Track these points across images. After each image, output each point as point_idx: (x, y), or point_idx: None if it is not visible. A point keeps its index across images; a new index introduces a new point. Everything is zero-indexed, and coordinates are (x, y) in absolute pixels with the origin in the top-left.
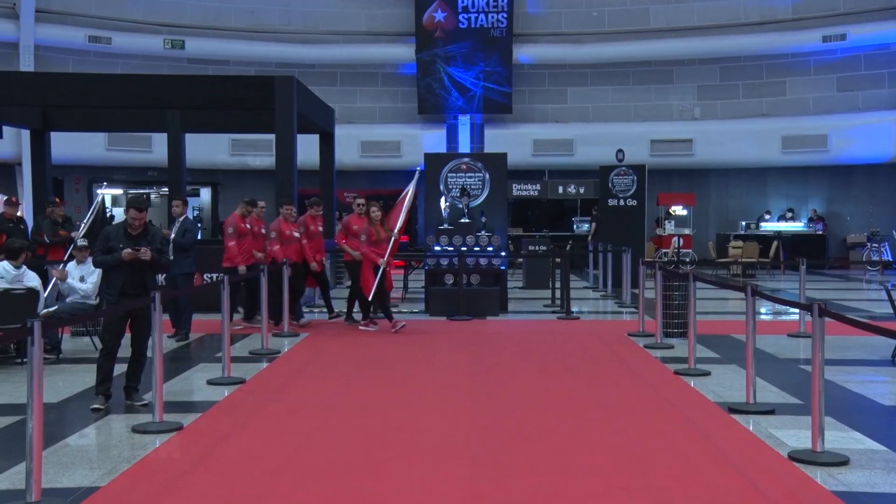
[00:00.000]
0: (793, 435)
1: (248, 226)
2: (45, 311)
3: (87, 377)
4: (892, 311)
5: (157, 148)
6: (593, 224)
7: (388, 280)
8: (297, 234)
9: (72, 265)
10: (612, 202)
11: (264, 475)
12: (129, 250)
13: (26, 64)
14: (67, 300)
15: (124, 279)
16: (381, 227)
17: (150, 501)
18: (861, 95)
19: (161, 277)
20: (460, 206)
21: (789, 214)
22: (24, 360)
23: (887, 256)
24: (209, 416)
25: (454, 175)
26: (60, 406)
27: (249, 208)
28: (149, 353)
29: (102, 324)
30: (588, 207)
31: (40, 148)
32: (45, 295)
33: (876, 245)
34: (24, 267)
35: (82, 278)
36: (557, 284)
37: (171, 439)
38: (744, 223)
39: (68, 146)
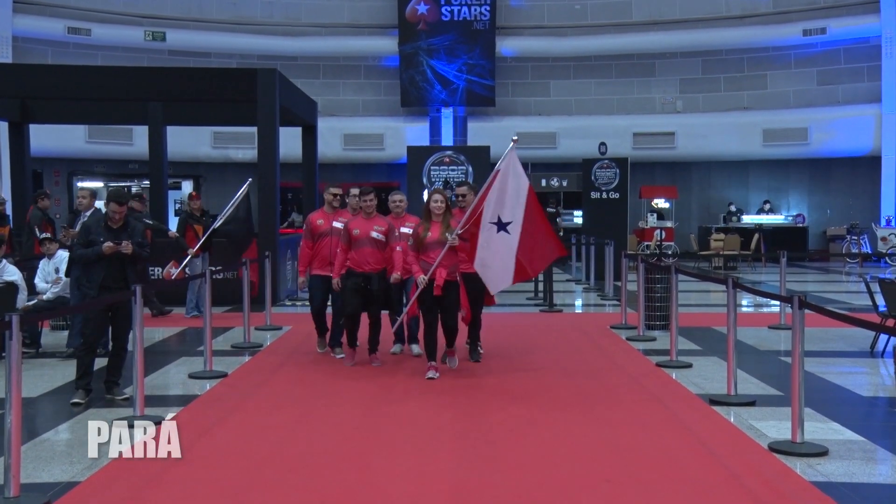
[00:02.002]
0: (773, 426)
1: (336, 224)
2: (28, 303)
3: (66, 371)
4: (870, 303)
5: (138, 140)
6: None
7: (462, 303)
8: (375, 235)
9: (44, 261)
10: (594, 195)
11: (246, 469)
12: (109, 244)
13: (4, 55)
14: (45, 297)
15: (105, 273)
16: (439, 225)
17: (130, 496)
18: (841, 89)
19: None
20: None
21: (767, 206)
22: (3, 354)
23: (866, 249)
24: (190, 409)
25: (437, 168)
26: (40, 400)
27: (335, 192)
28: (129, 347)
29: (83, 318)
30: (572, 200)
31: (19, 140)
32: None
33: (855, 237)
34: (4, 261)
35: (57, 270)
36: (540, 277)
37: None
38: (723, 216)
39: (48, 138)
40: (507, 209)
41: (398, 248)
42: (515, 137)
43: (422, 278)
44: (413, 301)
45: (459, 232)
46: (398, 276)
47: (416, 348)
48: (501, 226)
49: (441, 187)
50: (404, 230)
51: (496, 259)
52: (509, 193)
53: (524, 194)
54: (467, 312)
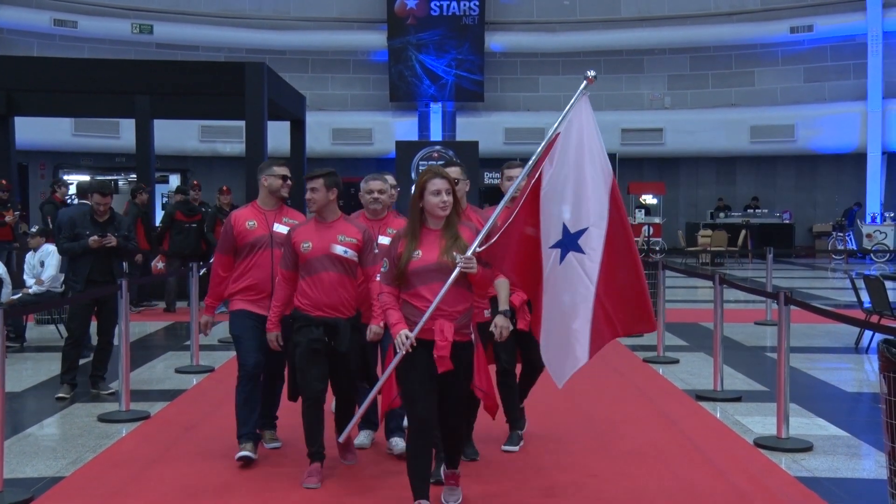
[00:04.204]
0: (758, 422)
1: (279, 228)
2: (13, 297)
3: (51, 366)
4: (856, 299)
5: (125, 134)
6: None
7: (478, 377)
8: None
9: (29, 255)
10: None
11: (232, 464)
12: (95, 237)
13: None
14: (31, 291)
15: (91, 267)
16: (439, 237)
17: (115, 491)
18: (828, 86)
19: None
20: None
21: (721, 202)
22: None
23: (852, 245)
24: (177, 404)
25: (426, 163)
26: (24, 395)
27: (278, 173)
28: (115, 341)
29: (69, 312)
30: None
31: (5, 133)
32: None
33: (841, 234)
34: None
35: (42, 263)
36: None
37: (138, 428)
38: (710, 212)
39: (33, 131)
40: (581, 206)
41: (378, 278)
42: (592, 73)
43: (403, 334)
44: (389, 374)
45: (479, 249)
46: (379, 330)
47: (398, 445)
48: (571, 241)
49: (442, 165)
50: (384, 241)
51: (564, 316)
52: (587, 177)
53: (609, 185)
54: (489, 391)
